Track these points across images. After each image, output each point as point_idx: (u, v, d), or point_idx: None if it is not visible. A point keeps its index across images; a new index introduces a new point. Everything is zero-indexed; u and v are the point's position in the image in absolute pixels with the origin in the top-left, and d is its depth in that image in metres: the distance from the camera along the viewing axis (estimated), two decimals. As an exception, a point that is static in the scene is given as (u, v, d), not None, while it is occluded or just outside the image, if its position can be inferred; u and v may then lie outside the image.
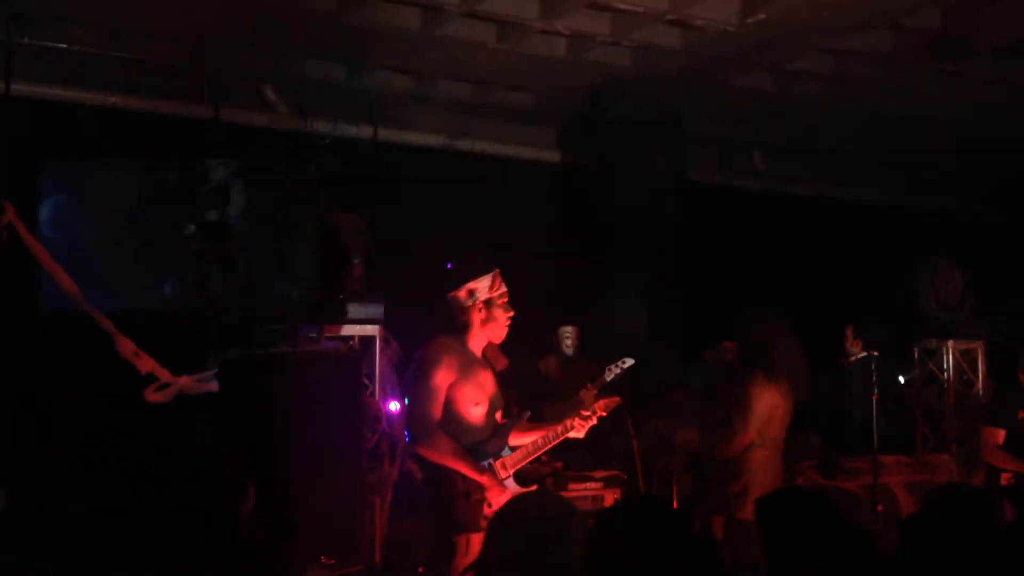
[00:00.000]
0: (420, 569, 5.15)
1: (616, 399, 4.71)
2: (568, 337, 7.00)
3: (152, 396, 4.47)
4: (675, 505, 5.94)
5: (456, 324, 4.39)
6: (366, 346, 5.45)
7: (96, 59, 7.02)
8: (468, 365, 4.35)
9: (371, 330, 5.45)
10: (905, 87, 7.91)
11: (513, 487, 4.35)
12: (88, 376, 5.28)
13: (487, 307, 4.40)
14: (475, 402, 4.35)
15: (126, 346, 4.46)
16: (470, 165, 8.26)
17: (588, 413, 4.54)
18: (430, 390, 4.27)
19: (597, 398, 4.64)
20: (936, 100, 8.06)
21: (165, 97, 7.43)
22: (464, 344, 4.39)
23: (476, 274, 4.40)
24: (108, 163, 7.44)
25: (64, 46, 6.79)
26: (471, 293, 4.39)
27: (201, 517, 3.04)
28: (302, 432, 3.99)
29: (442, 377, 4.26)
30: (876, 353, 6.25)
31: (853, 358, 7.16)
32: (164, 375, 4.53)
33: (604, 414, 4.65)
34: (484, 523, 4.11)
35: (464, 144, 8.33)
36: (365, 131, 7.99)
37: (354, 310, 5.37)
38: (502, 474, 4.35)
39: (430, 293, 6.25)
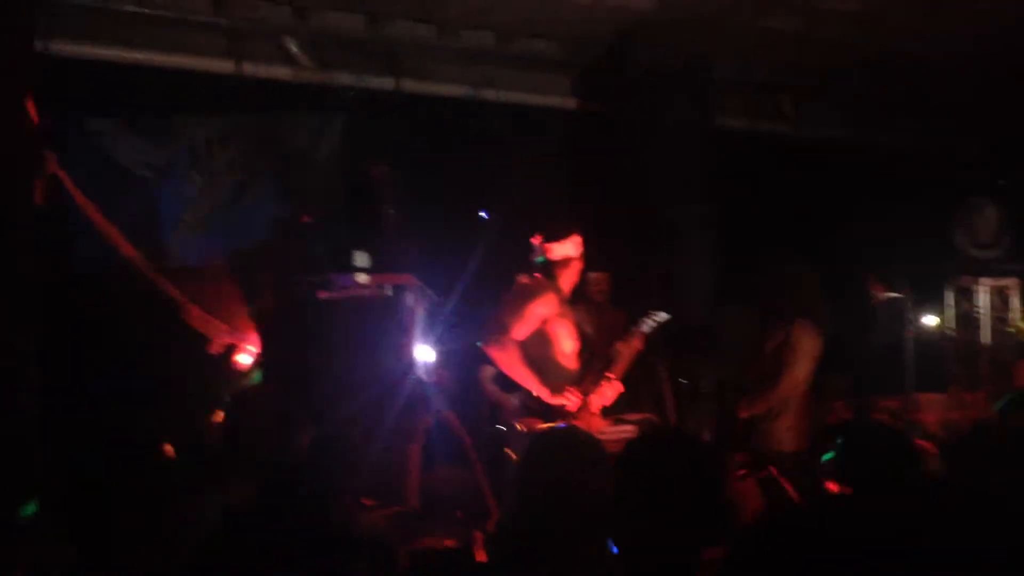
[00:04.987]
0: (459, 514, 5.20)
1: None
2: (597, 285, 6.97)
3: (241, 364, 4.45)
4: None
5: (550, 270, 4.76)
6: (399, 294, 5.47)
7: (116, 15, 6.98)
8: (566, 305, 4.77)
9: (404, 279, 5.48)
10: (935, 27, 7.75)
11: (601, 421, 4.78)
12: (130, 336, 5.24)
13: (581, 258, 4.84)
14: (571, 337, 4.75)
15: (197, 316, 4.41)
16: (495, 114, 8.21)
17: (613, 375, 4.86)
18: (522, 311, 4.62)
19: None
20: (969, 40, 7.90)
21: (186, 52, 7.41)
22: (560, 287, 4.76)
23: (574, 229, 4.79)
24: (131, 120, 7.42)
25: (84, 3, 6.77)
26: (576, 246, 4.80)
27: (252, 459, 3.07)
28: (344, 375, 4.03)
29: (539, 308, 4.61)
30: (906, 293, 6.28)
31: (877, 300, 7.17)
32: (239, 338, 4.51)
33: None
34: None
35: (488, 94, 8.27)
36: (388, 83, 7.94)
37: (388, 259, 5.40)
38: (594, 408, 4.73)
39: (462, 242, 6.30)
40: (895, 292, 7.18)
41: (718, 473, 2.67)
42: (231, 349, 4.60)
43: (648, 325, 5.05)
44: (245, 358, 4.62)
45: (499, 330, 4.57)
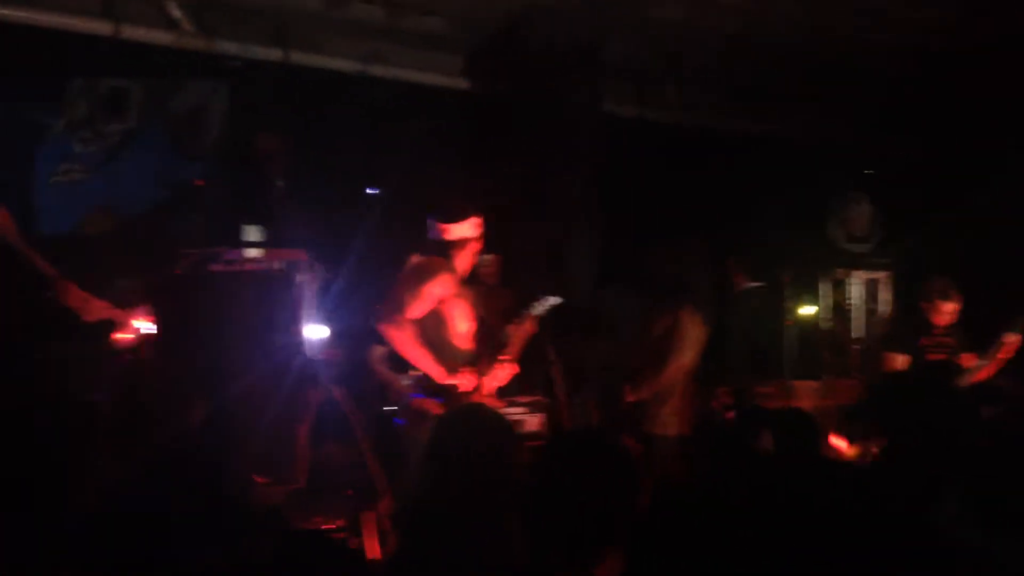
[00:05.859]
0: (348, 492, 5.15)
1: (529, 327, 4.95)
2: (487, 266, 6.97)
3: (121, 339, 4.21)
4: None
5: (446, 250, 4.72)
6: (290, 270, 5.36)
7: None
8: (462, 286, 4.76)
9: (295, 254, 5.37)
10: (817, 22, 8.00)
11: (496, 402, 4.75)
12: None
13: (478, 240, 4.82)
14: (466, 318, 4.73)
15: (73, 294, 4.11)
16: (384, 90, 8.10)
17: (507, 358, 4.87)
18: (418, 290, 4.55)
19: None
20: (848, 35, 8.19)
21: (61, 11, 7.06)
22: (456, 268, 4.74)
23: (476, 210, 4.77)
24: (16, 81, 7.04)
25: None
26: (473, 227, 4.77)
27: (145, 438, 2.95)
28: (234, 351, 3.92)
29: (435, 289, 4.55)
30: (776, 282, 6.49)
31: (739, 288, 7.39)
32: (118, 315, 4.26)
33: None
34: None
35: (379, 70, 8.15)
36: (275, 54, 7.73)
37: (278, 233, 5.28)
38: (488, 390, 4.74)
39: (352, 218, 6.23)
40: (756, 281, 7.40)
41: (637, 480, 2.71)
42: (110, 324, 4.39)
43: (540, 308, 5.09)
44: (126, 334, 4.42)
45: (395, 309, 4.54)
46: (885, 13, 7.70)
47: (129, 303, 4.27)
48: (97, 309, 4.25)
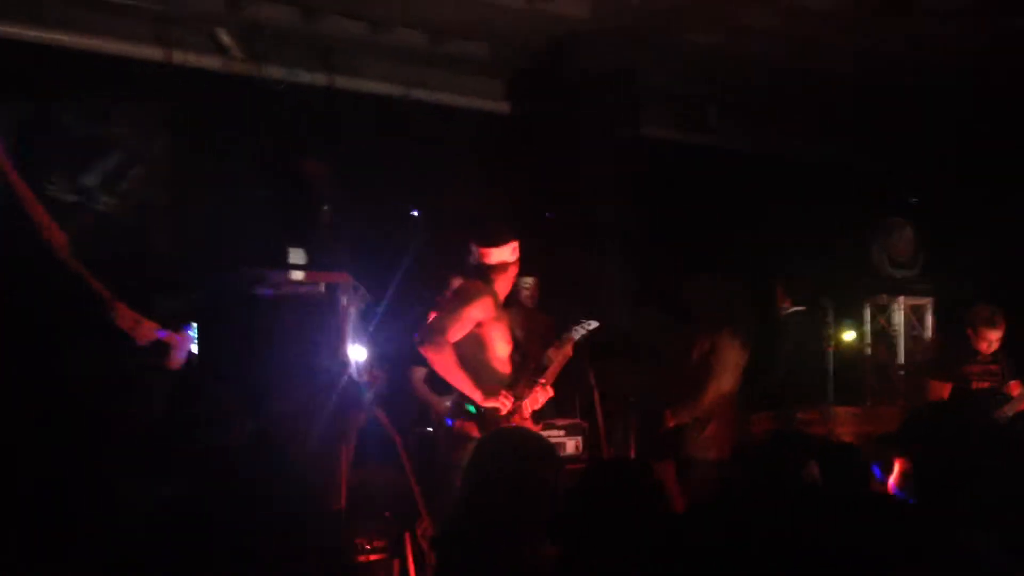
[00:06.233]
0: (387, 513, 5.18)
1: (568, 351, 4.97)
2: (527, 289, 7.01)
3: (175, 364, 4.24)
4: (632, 453, 6.15)
5: (487, 274, 4.77)
6: (333, 293, 5.43)
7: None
8: (501, 309, 4.80)
9: (338, 277, 5.44)
10: (856, 46, 7.99)
11: (534, 425, 4.77)
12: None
13: (517, 264, 4.86)
14: (505, 341, 4.77)
15: (124, 315, 4.13)
16: (426, 115, 8.19)
17: (545, 381, 4.90)
18: (459, 313, 4.61)
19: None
20: (889, 60, 8.17)
21: (115, 38, 7.23)
22: (495, 292, 4.78)
23: (511, 235, 4.82)
24: (54, 104, 7.19)
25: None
26: (512, 252, 4.81)
27: (192, 455, 3.00)
28: (279, 373, 3.98)
29: (475, 312, 4.58)
30: (819, 307, 6.45)
31: (783, 312, 7.35)
32: (169, 337, 4.28)
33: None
34: None
35: (420, 94, 8.25)
36: (320, 78, 7.86)
37: (322, 256, 5.36)
38: (526, 412, 4.75)
39: (393, 241, 6.29)
40: (800, 305, 7.36)
41: (669, 510, 2.74)
42: (162, 346, 4.45)
43: (579, 332, 5.12)
44: (178, 356, 4.48)
45: (436, 332, 4.58)
46: (924, 36, 7.67)
47: (173, 324, 4.32)
48: (148, 331, 4.30)
